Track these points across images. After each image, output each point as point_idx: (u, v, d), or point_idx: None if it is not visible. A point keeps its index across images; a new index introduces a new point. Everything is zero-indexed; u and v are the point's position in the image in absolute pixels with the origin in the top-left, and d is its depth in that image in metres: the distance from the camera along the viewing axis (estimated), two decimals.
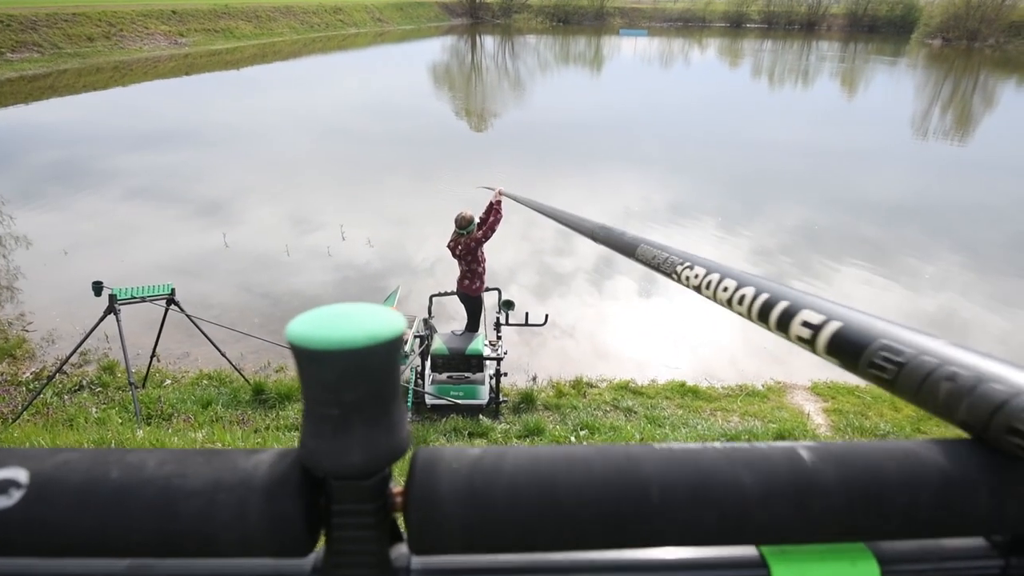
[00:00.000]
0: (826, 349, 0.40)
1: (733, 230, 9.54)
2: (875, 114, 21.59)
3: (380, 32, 47.71)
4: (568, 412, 5.06)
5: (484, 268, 5.18)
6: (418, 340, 5.29)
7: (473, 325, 5.39)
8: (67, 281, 7.10)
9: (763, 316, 0.48)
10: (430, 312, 5.63)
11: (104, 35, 26.79)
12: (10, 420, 4.44)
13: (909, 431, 4.89)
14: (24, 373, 5.46)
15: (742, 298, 0.51)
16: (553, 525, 0.31)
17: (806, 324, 0.42)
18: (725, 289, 0.55)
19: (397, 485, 0.34)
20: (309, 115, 18.44)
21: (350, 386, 0.30)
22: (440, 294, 5.66)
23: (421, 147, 15.00)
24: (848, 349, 0.39)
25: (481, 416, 4.89)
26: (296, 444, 0.33)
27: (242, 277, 7.61)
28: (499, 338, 5.33)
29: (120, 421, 4.46)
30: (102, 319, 4.25)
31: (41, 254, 8.03)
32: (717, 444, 0.34)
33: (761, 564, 0.34)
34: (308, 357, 0.30)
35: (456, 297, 5.41)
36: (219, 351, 4.95)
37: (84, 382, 5.26)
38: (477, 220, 5.04)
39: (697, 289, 0.61)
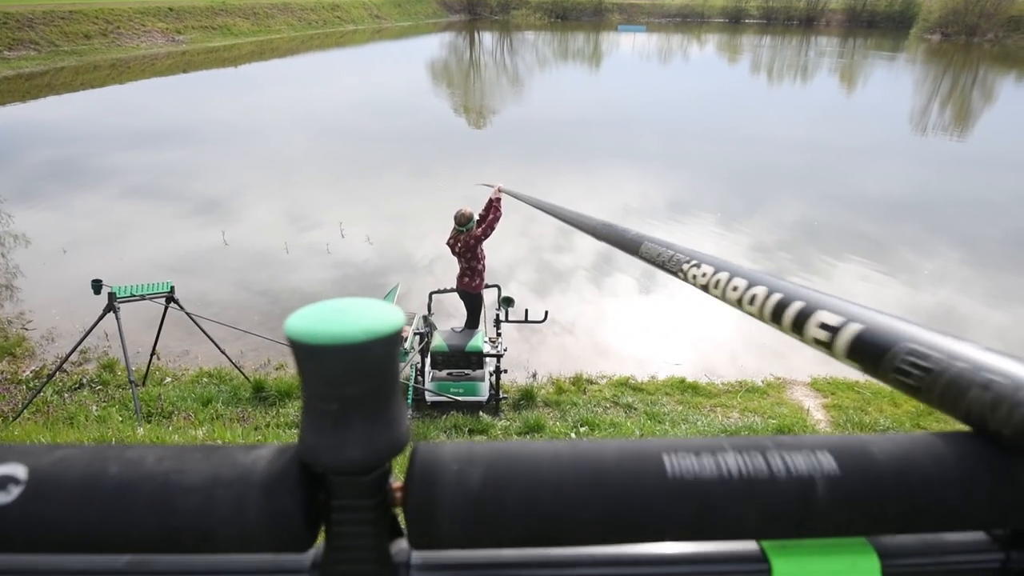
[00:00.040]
0: (846, 353, 0.39)
1: (732, 226, 9.54)
2: (874, 110, 21.58)
3: (378, 29, 47.59)
4: (568, 409, 5.06)
5: (484, 265, 5.18)
6: (418, 337, 5.29)
7: (473, 322, 5.39)
8: (66, 279, 7.10)
9: (776, 317, 0.46)
10: (430, 309, 5.63)
11: (101, 33, 26.70)
12: (10, 418, 4.44)
13: (909, 427, 4.90)
14: (24, 371, 5.45)
15: (753, 298, 0.50)
16: (553, 520, 0.31)
17: (824, 326, 0.40)
18: (735, 289, 0.53)
19: (397, 480, 0.34)
20: (307, 112, 18.41)
21: (349, 381, 0.30)
22: (440, 291, 5.66)
23: (420, 144, 14.98)
24: (870, 353, 0.37)
25: (481, 413, 4.89)
26: (296, 440, 0.33)
27: (241, 275, 7.60)
28: (499, 335, 5.33)
29: (120, 419, 4.46)
30: (102, 317, 4.24)
31: (40, 252, 8.02)
32: (714, 437, 0.34)
33: (762, 559, 0.34)
34: (307, 352, 0.30)
35: (456, 294, 5.41)
36: (219, 349, 4.95)
37: (84, 380, 5.26)
38: (477, 217, 5.03)
39: (705, 288, 0.60)
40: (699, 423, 4.85)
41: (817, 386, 5.65)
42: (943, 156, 15.17)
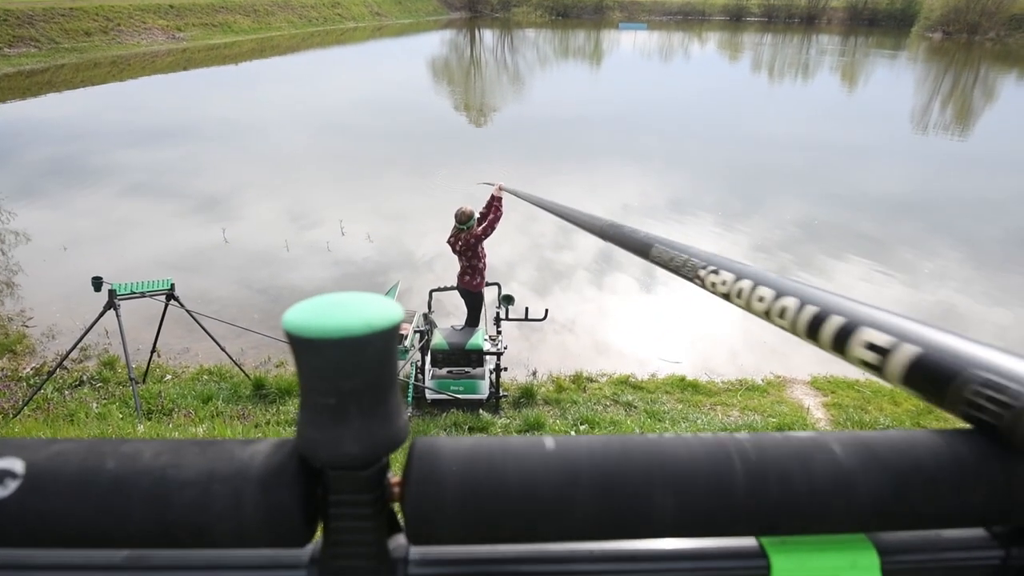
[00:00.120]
0: (901, 379, 0.34)
1: (732, 225, 9.53)
2: (875, 108, 21.54)
3: (378, 26, 47.52)
4: (568, 407, 5.06)
5: (485, 264, 5.17)
6: (418, 335, 5.29)
7: (473, 320, 5.39)
8: (67, 277, 7.10)
9: (812, 333, 0.41)
10: (430, 307, 5.63)
11: (101, 30, 26.67)
12: (11, 415, 4.44)
13: (909, 425, 4.90)
14: (24, 368, 5.46)
15: (783, 310, 0.44)
16: (551, 515, 0.31)
17: (871, 346, 0.36)
18: (761, 299, 0.48)
19: (395, 475, 0.33)
20: (308, 110, 18.40)
21: (347, 375, 0.30)
22: (440, 289, 5.65)
23: (420, 142, 14.97)
24: (931, 381, 0.33)
25: (481, 411, 4.89)
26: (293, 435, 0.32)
27: (241, 273, 7.61)
28: (499, 333, 5.33)
29: (121, 416, 4.47)
30: (102, 314, 4.25)
31: (40, 250, 8.02)
32: (713, 434, 0.34)
33: (760, 555, 0.33)
34: (304, 346, 0.29)
35: (456, 292, 5.41)
36: (219, 346, 4.95)
37: (84, 377, 5.26)
38: (477, 215, 5.02)
39: (726, 297, 0.54)
40: (699, 421, 4.86)
41: (817, 384, 5.65)
42: (944, 155, 15.15)
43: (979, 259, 8.59)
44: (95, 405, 4.72)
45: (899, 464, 0.32)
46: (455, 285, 5.32)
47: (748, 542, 0.34)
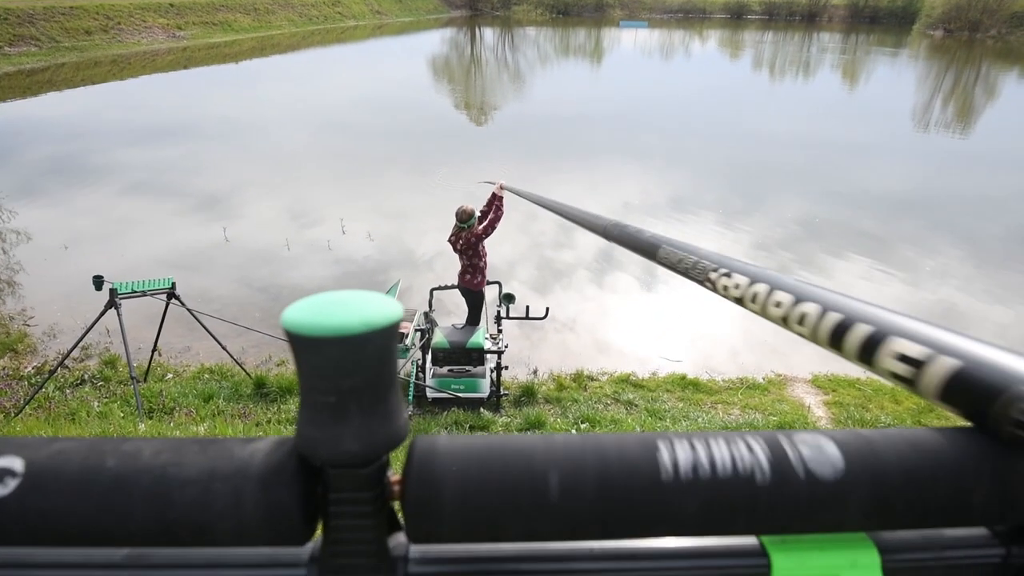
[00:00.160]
0: (937, 394, 0.32)
1: (732, 223, 9.52)
2: (876, 106, 21.50)
3: (379, 25, 47.48)
4: (569, 405, 5.06)
5: (486, 263, 5.17)
6: (419, 334, 5.29)
7: (474, 319, 5.39)
8: (67, 276, 7.10)
9: (836, 342, 0.39)
10: (431, 306, 5.63)
11: (102, 28, 26.66)
12: (12, 414, 4.45)
13: (910, 424, 4.90)
14: (26, 367, 5.46)
15: (803, 317, 0.42)
16: (551, 514, 0.31)
17: (903, 358, 0.34)
18: (777, 304, 0.45)
19: (395, 473, 0.33)
20: (308, 108, 18.39)
21: (347, 373, 0.30)
22: (441, 288, 5.65)
23: (421, 140, 14.96)
24: (972, 397, 0.31)
25: (482, 409, 4.89)
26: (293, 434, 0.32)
27: (242, 271, 7.61)
28: (500, 331, 5.33)
29: (122, 415, 4.48)
30: (103, 313, 4.25)
31: (41, 249, 8.03)
32: (714, 432, 0.34)
33: (761, 553, 0.33)
34: (304, 344, 0.29)
35: (457, 291, 5.41)
36: (220, 345, 4.96)
37: (86, 376, 5.26)
38: (478, 213, 5.02)
39: (739, 301, 0.51)
40: (700, 420, 4.85)
41: (818, 383, 5.65)
42: (945, 153, 15.12)
43: (980, 257, 8.58)
44: (96, 404, 4.73)
45: (900, 462, 0.32)
46: (456, 284, 5.32)
47: (749, 540, 0.34)
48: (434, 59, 32.09)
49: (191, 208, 9.68)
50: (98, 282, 4.22)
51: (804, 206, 10.39)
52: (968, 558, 0.35)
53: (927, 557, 0.34)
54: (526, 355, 6.04)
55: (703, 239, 8.66)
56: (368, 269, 7.78)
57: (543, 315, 5.32)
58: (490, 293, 5.56)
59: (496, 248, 6.45)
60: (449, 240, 5.11)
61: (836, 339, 0.39)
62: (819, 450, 0.32)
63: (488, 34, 48.03)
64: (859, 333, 0.37)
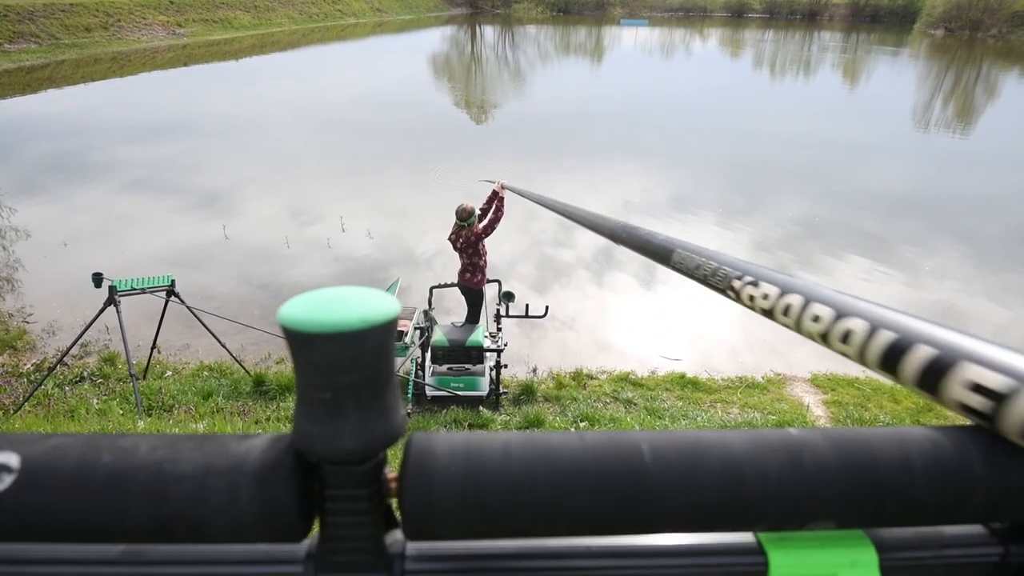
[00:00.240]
0: (1022, 433, 0.29)
1: (732, 223, 9.52)
2: (877, 105, 21.49)
3: (379, 22, 47.42)
4: (568, 404, 5.07)
5: (486, 261, 5.17)
6: (418, 332, 5.29)
7: (474, 317, 5.39)
8: (67, 273, 7.10)
9: (889, 364, 0.34)
10: (430, 304, 5.62)
11: (102, 26, 26.62)
12: (11, 411, 4.45)
13: (909, 423, 4.90)
14: (25, 364, 5.46)
15: (847, 334, 0.37)
16: (548, 511, 0.31)
17: (979, 389, 0.30)
18: (816, 319, 0.40)
19: (392, 470, 0.33)
20: (308, 106, 18.37)
21: (343, 369, 0.30)
22: (441, 286, 5.65)
23: (421, 138, 14.95)
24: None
25: (481, 408, 4.90)
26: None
27: (242, 269, 7.60)
28: (499, 330, 5.33)
29: (121, 412, 4.48)
30: (102, 311, 4.25)
31: (41, 246, 8.02)
32: (713, 430, 0.34)
33: (758, 550, 0.33)
34: (300, 340, 0.29)
35: (456, 289, 5.41)
36: (219, 343, 4.95)
37: (85, 373, 5.26)
38: (478, 212, 5.02)
39: (768, 314, 0.46)
40: (699, 419, 4.86)
41: (817, 382, 5.65)
42: (946, 152, 15.12)
43: (980, 257, 8.58)
44: (95, 401, 4.73)
45: (898, 460, 0.32)
46: (456, 282, 5.32)
47: (746, 538, 0.34)
48: (434, 57, 32.06)
49: (191, 205, 9.68)
50: (97, 279, 4.21)
51: (804, 205, 10.39)
52: (966, 556, 0.35)
53: (925, 555, 0.34)
54: (525, 353, 6.04)
55: (703, 239, 8.65)
56: (368, 267, 7.77)
57: (543, 313, 5.32)
58: (490, 291, 5.55)
59: (496, 246, 6.45)
60: (449, 238, 5.11)
61: (889, 362, 0.34)
62: (816, 448, 0.32)
63: (488, 32, 47.98)
64: (920, 356, 0.32)
